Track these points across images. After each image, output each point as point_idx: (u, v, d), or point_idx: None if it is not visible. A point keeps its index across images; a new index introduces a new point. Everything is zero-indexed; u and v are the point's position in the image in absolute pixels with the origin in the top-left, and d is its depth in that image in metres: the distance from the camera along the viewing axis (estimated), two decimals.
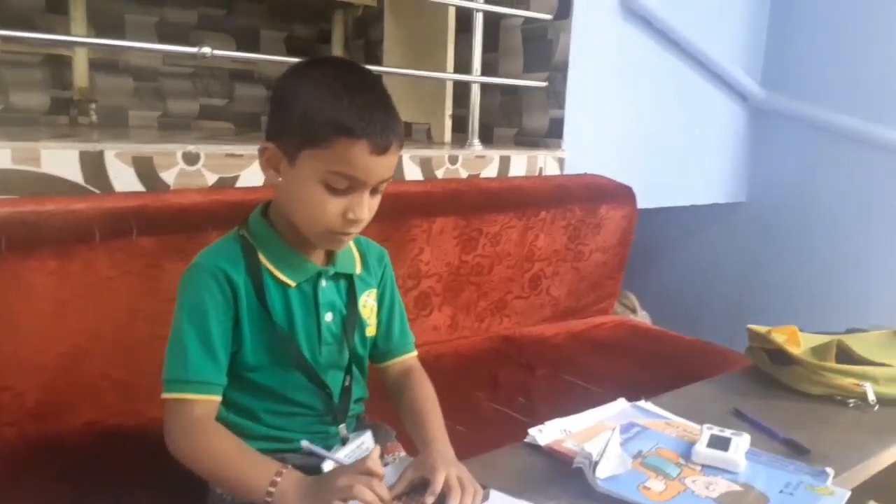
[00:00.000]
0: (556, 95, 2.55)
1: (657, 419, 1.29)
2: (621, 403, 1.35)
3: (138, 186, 1.60)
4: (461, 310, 2.09)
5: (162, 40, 3.25)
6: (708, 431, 1.16)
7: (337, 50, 3.56)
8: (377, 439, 1.17)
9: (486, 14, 2.42)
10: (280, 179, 1.06)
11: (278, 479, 0.94)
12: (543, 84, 2.56)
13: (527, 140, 2.70)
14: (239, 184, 1.75)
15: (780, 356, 1.50)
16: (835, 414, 1.37)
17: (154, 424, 1.36)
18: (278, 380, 1.11)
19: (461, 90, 2.58)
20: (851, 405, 1.39)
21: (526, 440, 1.19)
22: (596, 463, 1.04)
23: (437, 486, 0.96)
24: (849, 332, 1.65)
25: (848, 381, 1.40)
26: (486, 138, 2.64)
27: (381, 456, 1.15)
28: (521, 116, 2.73)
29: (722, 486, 1.05)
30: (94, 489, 1.26)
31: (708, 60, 2.85)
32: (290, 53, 3.59)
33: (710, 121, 3.02)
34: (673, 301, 3.36)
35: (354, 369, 1.18)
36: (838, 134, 2.87)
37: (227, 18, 3.50)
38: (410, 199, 1.94)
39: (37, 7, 2.95)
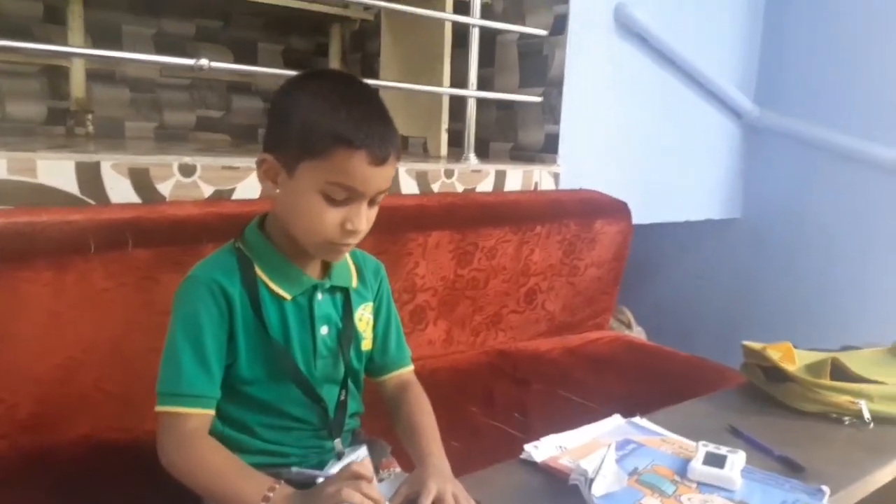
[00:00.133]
0: (551, 110, 2.56)
1: (652, 436, 1.28)
2: (616, 420, 1.34)
3: (134, 198, 1.60)
4: (456, 324, 2.09)
5: (159, 52, 3.25)
6: (703, 448, 1.16)
7: (334, 63, 3.57)
8: (373, 455, 1.17)
9: (483, 29, 2.43)
10: (278, 191, 1.07)
11: (271, 494, 0.93)
12: (539, 99, 2.57)
13: (522, 155, 2.70)
14: (235, 196, 1.74)
15: (775, 373, 1.50)
16: (830, 432, 1.36)
17: (148, 437, 1.35)
18: (273, 393, 1.10)
19: (457, 104, 2.59)
20: (847, 423, 1.39)
21: (521, 456, 1.18)
22: (592, 480, 1.04)
23: (426, 500, 0.95)
24: (843, 349, 1.65)
25: (843, 399, 1.40)
26: (482, 153, 2.65)
27: (377, 471, 1.15)
28: (516, 131, 2.73)
29: (717, 503, 1.05)
30: (88, 502, 1.25)
31: (702, 77, 2.87)
32: (287, 66, 3.60)
33: (704, 137, 3.03)
34: (668, 316, 3.36)
35: (350, 383, 1.18)
36: (832, 151, 2.89)
37: (224, 30, 3.51)
38: (406, 212, 1.94)
39: (34, 17, 2.96)
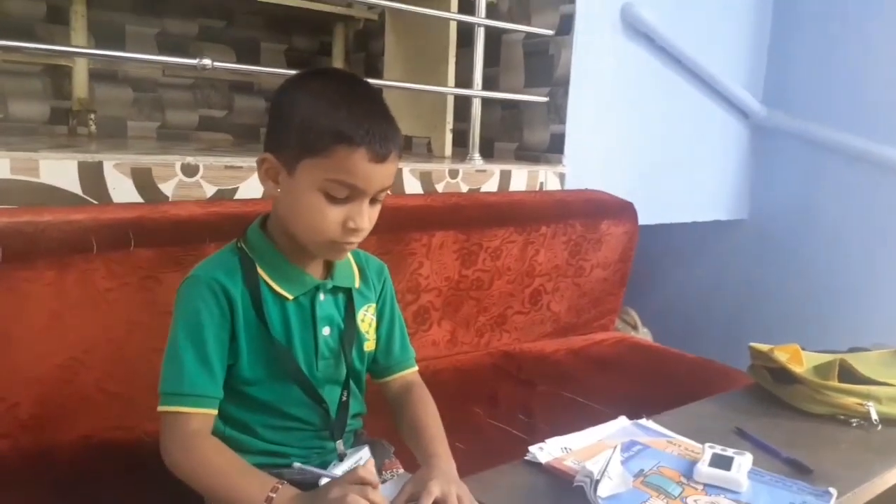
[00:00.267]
0: (557, 110, 2.55)
1: (659, 437, 1.27)
2: (622, 421, 1.33)
3: (137, 198, 1.59)
4: (461, 325, 2.08)
5: (162, 51, 3.25)
6: (710, 450, 1.15)
7: (337, 63, 3.56)
8: (375, 455, 1.16)
9: (488, 29, 2.42)
10: (279, 190, 1.06)
11: (273, 495, 0.93)
12: (544, 99, 2.56)
13: (527, 155, 2.69)
14: (238, 196, 1.74)
15: (782, 375, 1.49)
16: (838, 433, 1.36)
17: (150, 438, 1.36)
18: (275, 394, 1.10)
19: (462, 104, 2.58)
20: (854, 425, 1.38)
21: (526, 458, 1.18)
22: (597, 482, 1.03)
23: (425, 501, 0.94)
24: (851, 350, 1.64)
25: (851, 401, 1.39)
26: (487, 153, 2.64)
27: (380, 472, 1.14)
28: (521, 131, 2.73)
29: None
30: (89, 502, 1.25)
31: (709, 77, 2.85)
32: (290, 66, 3.59)
33: (711, 138, 3.02)
34: (674, 318, 3.35)
35: (352, 384, 1.17)
36: (840, 152, 2.87)
37: (227, 30, 3.51)
38: (410, 212, 1.93)
39: (37, 17, 2.96)
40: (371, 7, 3.36)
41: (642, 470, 1.13)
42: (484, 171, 2.26)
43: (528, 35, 2.63)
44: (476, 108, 2.43)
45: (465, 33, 2.51)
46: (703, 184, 3.04)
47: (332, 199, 1.02)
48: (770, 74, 3.10)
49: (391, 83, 2.73)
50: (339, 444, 1.14)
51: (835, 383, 1.41)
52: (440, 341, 2.04)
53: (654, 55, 2.70)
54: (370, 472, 0.93)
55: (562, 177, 2.49)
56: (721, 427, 1.34)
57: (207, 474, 0.99)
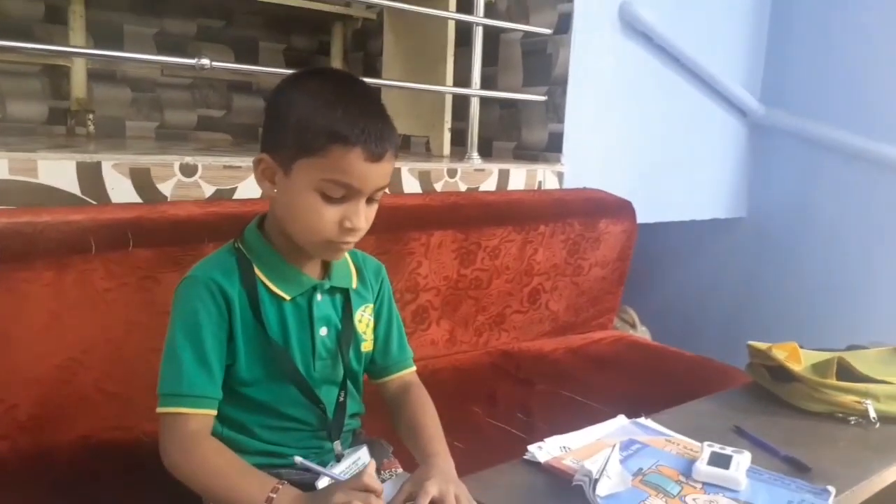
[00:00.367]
0: (555, 109, 2.55)
1: (657, 436, 1.27)
2: (621, 420, 1.34)
3: (135, 198, 1.59)
4: (459, 324, 2.08)
5: (161, 51, 3.25)
6: (709, 449, 1.15)
7: (336, 62, 3.56)
8: (374, 455, 1.16)
9: (486, 28, 2.42)
10: (275, 191, 1.06)
11: (274, 496, 0.93)
12: (543, 98, 2.56)
13: (526, 154, 2.69)
14: (236, 196, 1.74)
15: (780, 373, 1.49)
16: (836, 431, 1.36)
17: (149, 438, 1.36)
18: (272, 394, 1.10)
19: (460, 103, 2.58)
20: (853, 423, 1.38)
21: (525, 457, 1.18)
22: (596, 480, 1.03)
23: (422, 501, 0.94)
24: (849, 348, 1.64)
25: (849, 399, 1.39)
26: (486, 152, 2.64)
27: (378, 472, 1.14)
28: (520, 130, 2.73)
29: None
30: (88, 503, 1.25)
31: (707, 76, 2.85)
32: (288, 65, 3.59)
33: (709, 136, 3.02)
34: (673, 316, 3.35)
35: (349, 385, 1.17)
36: (838, 150, 2.87)
37: (225, 30, 3.50)
38: (409, 212, 1.93)
39: (35, 17, 2.95)
40: (370, 6, 3.36)
41: (641, 469, 1.13)
42: (482, 170, 2.26)
43: (527, 34, 2.63)
44: (474, 108, 2.43)
45: (464, 32, 2.51)
46: (701, 182, 3.04)
47: (329, 199, 1.02)
48: (768, 73, 3.11)
49: (390, 82, 2.72)
50: (337, 445, 1.13)
51: (833, 381, 1.42)
52: (439, 341, 2.04)
53: (653, 54, 2.70)
54: (374, 479, 0.93)
55: (560, 176, 2.49)
56: (719, 425, 1.34)
57: (207, 475, 0.99)
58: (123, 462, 1.37)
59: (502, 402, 1.82)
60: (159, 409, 1.02)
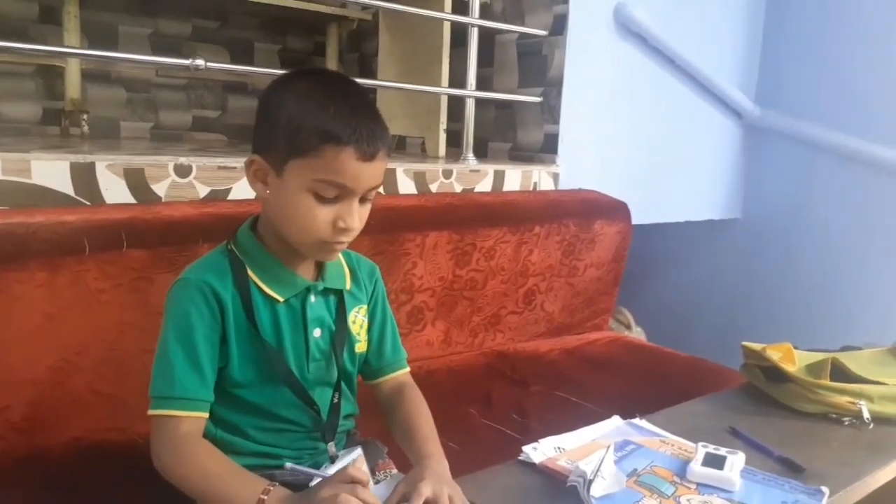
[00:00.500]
0: (550, 110, 2.55)
1: (652, 437, 1.27)
2: (616, 421, 1.34)
3: (129, 198, 1.59)
4: (454, 325, 2.08)
5: (155, 52, 3.25)
6: (703, 449, 1.15)
7: (331, 63, 3.56)
8: (368, 456, 1.16)
9: (481, 29, 2.42)
10: (268, 192, 1.06)
11: (265, 498, 0.92)
12: (538, 99, 2.56)
13: (521, 155, 2.69)
14: (231, 196, 1.73)
15: (775, 374, 1.49)
16: (830, 432, 1.36)
17: (142, 440, 1.36)
18: (266, 396, 1.09)
19: (456, 104, 2.58)
20: (846, 423, 1.39)
21: (520, 458, 1.18)
22: (590, 481, 1.03)
23: (415, 502, 0.93)
24: (843, 349, 1.64)
25: (843, 400, 1.40)
26: (481, 152, 2.64)
27: (373, 473, 1.14)
28: (515, 131, 2.73)
29: None
30: None
31: (702, 77, 2.86)
32: (284, 66, 3.59)
33: (704, 137, 3.02)
34: (668, 317, 3.36)
35: (343, 386, 1.17)
36: (832, 151, 2.88)
37: (220, 30, 3.50)
38: (404, 212, 1.93)
39: (30, 17, 2.94)
40: (365, 7, 3.35)
41: (635, 469, 1.13)
42: (478, 171, 2.26)
43: (522, 35, 2.64)
44: (470, 109, 2.43)
45: (459, 33, 2.51)
46: (696, 183, 3.05)
47: (322, 200, 1.01)
48: (763, 75, 3.11)
49: (385, 83, 2.72)
50: (331, 446, 1.13)
51: (827, 382, 1.42)
52: (434, 341, 2.04)
53: (648, 55, 2.71)
54: (360, 470, 0.93)
55: (555, 177, 2.49)
56: (714, 426, 1.35)
57: (199, 477, 0.98)
58: (117, 463, 1.37)
59: (497, 403, 1.81)
60: (151, 412, 1.02)
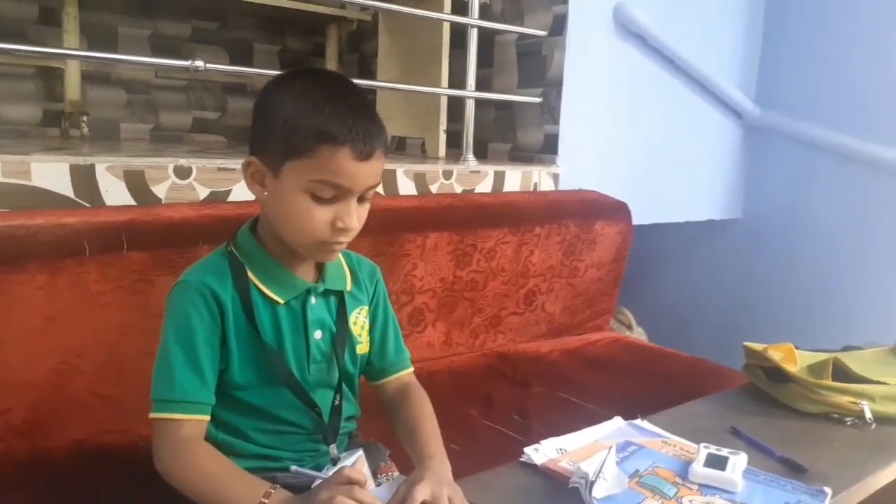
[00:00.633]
0: (550, 111, 2.55)
1: (654, 438, 1.27)
2: (617, 422, 1.33)
3: (129, 200, 1.59)
4: (455, 326, 2.08)
5: (155, 53, 3.25)
6: (705, 450, 1.15)
7: (331, 64, 3.56)
8: (370, 458, 1.16)
9: (481, 30, 2.42)
10: (266, 194, 1.05)
11: (266, 501, 0.92)
12: (538, 100, 2.56)
13: (521, 155, 2.69)
14: (231, 198, 1.73)
15: (776, 374, 1.49)
16: (832, 432, 1.36)
17: (143, 442, 1.36)
18: (267, 398, 1.09)
19: (455, 105, 2.58)
20: (849, 423, 1.38)
21: (521, 459, 1.17)
22: (592, 483, 1.03)
23: (413, 502, 0.93)
24: (845, 349, 1.64)
25: (845, 400, 1.39)
26: (481, 153, 2.64)
27: (375, 476, 1.14)
28: (515, 132, 2.73)
29: None
30: None
31: (702, 78, 2.86)
32: (283, 67, 3.59)
33: (704, 137, 3.02)
34: (669, 317, 3.35)
35: (344, 387, 1.17)
36: (832, 151, 2.88)
37: (220, 31, 3.49)
38: (404, 213, 1.93)
39: (29, 19, 2.94)
40: (364, 8, 3.35)
41: (637, 470, 1.13)
42: (478, 171, 2.26)
43: (521, 36, 2.64)
44: (469, 109, 2.43)
45: (459, 34, 2.51)
46: (696, 183, 3.05)
47: (319, 200, 1.01)
48: (763, 75, 3.11)
49: (385, 84, 2.72)
50: (333, 449, 1.13)
51: (829, 382, 1.42)
52: (435, 342, 2.04)
53: (647, 56, 2.71)
54: (357, 471, 0.93)
55: (556, 177, 2.49)
56: (716, 427, 1.34)
57: (200, 480, 0.98)
58: (118, 465, 1.37)
59: (498, 404, 1.81)
60: (152, 415, 1.02)
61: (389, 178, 2.02)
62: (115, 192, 1.57)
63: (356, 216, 1.04)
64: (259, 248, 1.10)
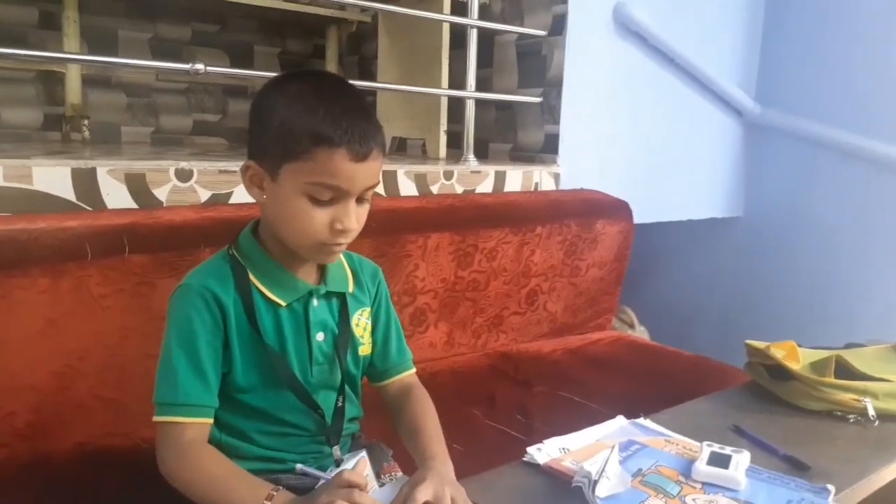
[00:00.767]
0: (550, 111, 2.55)
1: (656, 436, 1.27)
2: (620, 421, 1.33)
3: (131, 203, 1.59)
4: (457, 326, 2.08)
5: (155, 56, 3.25)
6: (708, 449, 1.15)
7: (331, 66, 3.56)
8: (373, 459, 1.15)
9: (481, 30, 2.42)
10: (265, 197, 1.05)
11: (268, 503, 0.92)
12: (538, 100, 2.56)
13: (522, 155, 2.69)
14: (232, 200, 1.73)
15: (779, 372, 1.49)
16: (835, 430, 1.35)
17: (146, 445, 1.36)
18: (270, 401, 1.09)
19: (456, 105, 2.58)
20: (851, 421, 1.38)
21: (524, 458, 1.17)
22: (595, 482, 1.03)
23: (415, 502, 0.93)
24: (847, 347, 1.64)
25: (847, 397, 1.39)
26: (482, 153, 2.64)
27: (378, 476, 1.14)
28: (516, 132, 2.73)
29: (722, 503, 1.04)
30: None
31: (703, 76, 2.86)
32: (283, 69, 3.58)
33: (705, 136, 3.02)
34: (671, 316, 3.35)
35: (347, 389, 1.17)
36: (833, 149, 2.88)
37: (220, 34, 3.50)
38: (405, 214, 1.93)
39: (29, 23, 2.94)
40: (364, 9, 3.35)
41: (640, 469, 1.13)
42: (479, 172, 2.26)
43: (521, 36, 2.64)
44: (470, 110, 2.43)
45: (458, 35, 2.51)
46: (697, 182, 3.05)
47: (317, 202, 1.01)
48: (763, 73, 3.11)
49: (385, 85, 2.73)
50: (336, 450, 1.13)
51: (831, 380, 1.41)
52: (437, 343, 2.04)
53: (648, 55, 2.71)
54: (357, 473, 0.93)
55: (556, 177, 2.49)
56: (718, 425, 1.34)
57: (203, 483, 0.98)
58: (121, 468, 1.37)
59: (501, 404, 1.81)
60: (156, 419, 1.02)
61: (390, 179, 2.02)
62: (116, 196, 1.57)
63: (355, 217, 1.04)
64: (260, 250, 1.10)
